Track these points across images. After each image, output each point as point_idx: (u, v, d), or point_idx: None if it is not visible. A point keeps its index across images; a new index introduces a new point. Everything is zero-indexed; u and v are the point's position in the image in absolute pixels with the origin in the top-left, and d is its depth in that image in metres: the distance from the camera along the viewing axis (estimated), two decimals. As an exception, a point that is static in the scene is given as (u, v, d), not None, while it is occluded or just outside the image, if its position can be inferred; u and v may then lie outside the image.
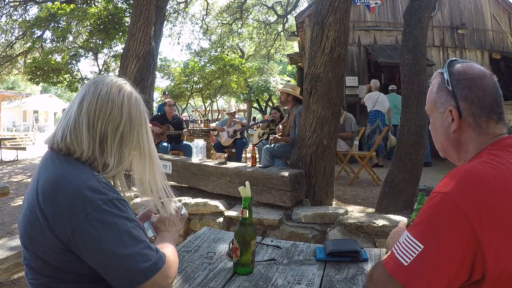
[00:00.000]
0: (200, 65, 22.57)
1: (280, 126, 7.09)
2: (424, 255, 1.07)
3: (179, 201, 4.86)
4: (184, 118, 14.27)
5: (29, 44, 18.14)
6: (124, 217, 1.28)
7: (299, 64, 17.11)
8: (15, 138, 22.59)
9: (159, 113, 9.16)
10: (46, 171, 1.34)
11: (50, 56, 17.01)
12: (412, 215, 1.62)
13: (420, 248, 1.08)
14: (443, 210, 1.09)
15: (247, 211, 1.76)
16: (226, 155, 5.79)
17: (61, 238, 1.23)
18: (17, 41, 19.17)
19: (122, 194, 1.38)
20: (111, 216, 1.25)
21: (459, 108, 1.29)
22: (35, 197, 1.29)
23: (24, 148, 16.73)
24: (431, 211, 1.12)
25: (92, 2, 17.50)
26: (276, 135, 6.80)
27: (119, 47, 17.74)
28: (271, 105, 30.04)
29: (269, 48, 29.55)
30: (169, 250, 1.43)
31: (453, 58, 1.39)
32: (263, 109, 32.65)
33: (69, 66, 17.48)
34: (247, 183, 1.79)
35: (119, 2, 16.88)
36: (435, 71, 1.43)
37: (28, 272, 1.37)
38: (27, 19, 17.94)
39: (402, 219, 3.99)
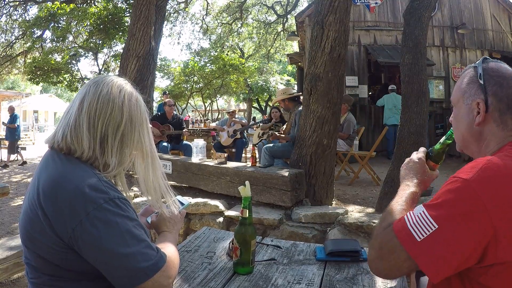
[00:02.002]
0: (200, 65, 22.58)
1: (284, 127, 7.11)
2: (437, 235, 1.12)
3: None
4: (187, 119, 14.23)
5: (29, 44, 18.14)
6: (125, 216, 1.28)
7: (299, 64, 17.10)
8: (15, 138, 22.54)
9: (159, 113, 9.16)
10: (47, 170, 1.34)
11: (50, 56, 16.99)
12: (435, 146, 1.60)
13: (435, 227, 1.12)
14: (462, 197, 1.12)
15: (247, 210, 1.76)
16: (226, 155, 5.79)
17: (62, 237, 1.23)
18: (17, 41, 19.17)
19: (124, 194, 1.38)
20: (112, 215, 1.25)
21: (487, 102, 1.31)
22: (36, 196, 1.30)
23: (24, 148, 16.70)
24: (450, 196, 1.14)
25: (92, 2, 17.48)
26: (276, 133, 6.81)
27: (119, 47, 17.75)
28: (270, 105, 30.09)
29: (269, 48, 29.52)
30: (170, 250, 1.43)
31: (486, 56, 1.42)
32: (263, 109, 32.68)
33: (69, 66, 17.46)
34: (247, 182, 1.79)
35: (119, 2, 16.87)
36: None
37: (29, 271, 1.37)
38: (27, 19, 17.92)
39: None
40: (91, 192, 1.25)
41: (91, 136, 1.35)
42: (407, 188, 1.49)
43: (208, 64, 22.85)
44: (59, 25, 16.24)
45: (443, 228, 1.11)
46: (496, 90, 1.31)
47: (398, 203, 1.42)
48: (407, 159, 1.63)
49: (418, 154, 1.61)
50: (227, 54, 25.59)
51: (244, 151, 9.86)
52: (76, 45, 17.84)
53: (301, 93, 6.92)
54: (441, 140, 1.59)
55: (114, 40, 17.05)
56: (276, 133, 6.78)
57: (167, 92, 18.36)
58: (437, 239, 1.12)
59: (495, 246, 1.08)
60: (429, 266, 1.13)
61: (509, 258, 1.09)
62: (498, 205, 1.07)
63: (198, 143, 5.94)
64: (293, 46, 27.90)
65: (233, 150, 9.17)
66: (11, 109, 14.05)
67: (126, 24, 15.36)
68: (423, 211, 1.17)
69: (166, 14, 15.23)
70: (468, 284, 1.19)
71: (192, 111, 33.10)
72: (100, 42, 16.98)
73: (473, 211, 1.08)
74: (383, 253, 1.24)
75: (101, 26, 15.67)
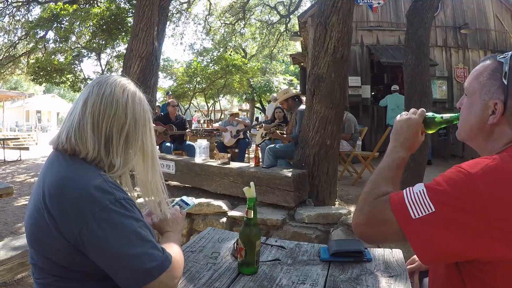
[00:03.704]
0: (202, 65, 22.59)
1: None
2: (432, 219, 1.13)
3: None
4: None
5: (32, 44, 18.17)
6: (131, 217, 1.28)
7: (302, 64, 17.09)
8: (18, 138, 22.61)
9: (162, 113, 9.18)
10: (52, 172, 1.34)
11: (53, 57, 17.05)
12: (436, 117, 1.55)
13: (432, 210, 1.13)
14: (464, 190, 1.12)
15: (252, 211, 1.76)
16: (229, 155, 5.79)
17: (68, 238, 1.24)
18: (20, 41, 19.18)
19: (129, 194, 1.38)
20: (118, 216, 1.25)
21: (506, 104, 1.25)
22: (42, 197, 1.30)
23: (27, 148, 16.78)
24: (452, 185, 1.14)
25: (95, 2, 17.51)
26: (278, 132, 6.82)
27: (122, 48, 17.77)
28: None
29: (272, 48, 29.53)
30: (174, 250, 1.44)
31: None
32: (266, 109, 32.63)
33: (72, 67, 17.49)
34: (251, 183, 1.79)
35: (122, 3, 16.90)
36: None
37: (35, 272, 1.38)
38: (30, 19, 17.96)
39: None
40: (97, 193, 1.25)
41: (95, 137, 1.35)
42: (398, 151, 1.48)
43: (211, 64, 22.87)
44: (62, 25, 16.28)
45: (439, 214, 1.12)
46: None
47: (388, 167, 1.43)
48: (405, 115, 1.58)
49: (417, 115, 1.56)
50: (230, 55, 25.58)
51: (247, 152, 9.86)
52: (79, 45, 17.86)
53: (300, 92, 6.92)
54: (444, 115, 1.55)
55: (117, 41, 17.08)
56: (278, 131, 6.79)
57: (170, 93, 18.37)
58: (432, 223, 1.12)
59: (491, 244, 1.08)
60: (418, 246, 1.15)
61: (506, 257, 1.09)
62: (498, 204, 1.07)
63: (201, 144, 5.96)
64: (296, 46, 27.88)
65: (236, 150, 9.17)
66: None
67: (129, 24, 15.38)
68: (423, 189, 1.18)
69: (169, 14, 15.24)
70: (466, 278, 1.21)
71: (195, 111, 33.12)
72: (103, 42, 17.01)
73: (472, 207, 1.09)
74: (373, 221, 1.26)
75: (104, 27, 15.70)
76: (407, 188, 1.23)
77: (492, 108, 1.29)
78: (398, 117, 1.59)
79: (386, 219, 1.21)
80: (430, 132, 1.59)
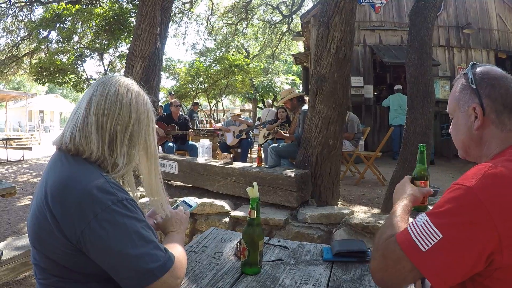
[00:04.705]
0: (205, 65, 22.56)
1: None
2: (442, 245, 1.12)
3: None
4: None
5: (34, 44, 18.17)
6: (133, 217, 1.28)
7: (304, 64, 17.09)
8: (21, 138, 22.67)
9: (165, 113, 9.20)
10: (54, 172, 1.35)
11: (55, 57, 17.02)
12: (416, 169, 1.65)
13: (439, 237, 1.12)
14: (466, 204, 1.11)
15: (255, 211, 1.76)
16: (232, 155, 5.79)
17: (70, 239, 1.24)
18: (22, 41, 19.19)
19: (131, 194, 1.38)
20: (120, 216, 1.25)
21: (483, 105, 1.32)
22: (44, 197, 1.30)
23: (30, 148, 16.78)
24: (454, 204, 1.14)
25: (98, 2, 17.52)
26: (281, 131, 6.82)
27: (124, 48, 17.79)
28: (276, 105, 29.96)
29: (274, 48, 29.53)
30: (177, 250, 1.44)
31: (474, 62, 1.44)
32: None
33: (75, 67, 17.48)
34: (255, 183, 1.79)
35: (125, 3, 16.91)
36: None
37: (37, 272, 1.38)
38: (33, 19, 17.99)
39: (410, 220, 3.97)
40: (99, 193, 1.25)
41: (99, 136, 1.36)
42: (399, 203, 1.52)
43: (213, 65, 22.85)
44: (65, 25, 16.28)
45: (448, 237, 1.11)
46: (489, 92, 1.32)
47: (392, 218, 1.43)
48: (395, 189, 1.67)
49: (404, 181, 1.65)
50: (232, 55, 25.58)
51: (249, 152, 9.86)
52: (81, 45, 17.86)
53: (305, 92, 6.92)
54: (417, 159, 1.67)
55: (120, 41, 17.07)
56: (282, 131, 6.79)
57: (173, 93, 18.37)
58: (442, 249, 1.11)
59: (501, 251, 1.08)
60: (435, 277, 1.14)
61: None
62: (502, 211, 1.07)
63: (204, 144, 5.95)
64: (299, 46, 27.88)
65: (239, 150, 9.18)
66: None
67: (132, 24, 15.37)
68: (426, 220, 1.17)
69: (171, 14, 15.23)
70: (468, 282, 1.20)
71: (198, 111, 33.16)
72: (106, 42, 16.99)
73: (478, 219, 1.08)
74: (387, 264, 1.24)
75: (107, 27, 15.69)
76: (411, 223, 1.23)
77: (473, 114, 1.35)
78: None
79: (398, 258, 1.20)
80: (428, 178, 1.66)
